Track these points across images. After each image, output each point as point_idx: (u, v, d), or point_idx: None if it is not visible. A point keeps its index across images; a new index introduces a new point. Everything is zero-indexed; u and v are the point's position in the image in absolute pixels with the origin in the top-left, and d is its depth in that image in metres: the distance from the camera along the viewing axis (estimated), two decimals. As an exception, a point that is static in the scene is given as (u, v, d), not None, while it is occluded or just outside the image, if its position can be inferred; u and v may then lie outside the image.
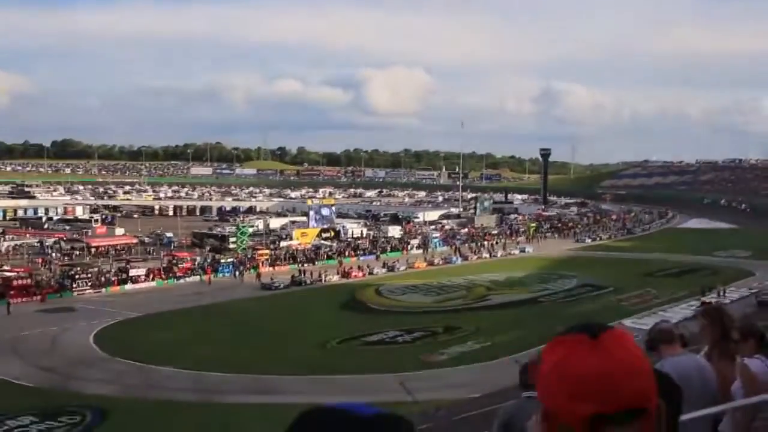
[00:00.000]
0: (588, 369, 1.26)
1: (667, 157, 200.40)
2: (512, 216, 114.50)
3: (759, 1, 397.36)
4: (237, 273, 65.21)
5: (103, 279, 58.71)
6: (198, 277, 63.18)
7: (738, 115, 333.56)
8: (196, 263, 65.99)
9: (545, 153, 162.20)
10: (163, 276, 61.91)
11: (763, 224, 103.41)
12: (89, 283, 57.45)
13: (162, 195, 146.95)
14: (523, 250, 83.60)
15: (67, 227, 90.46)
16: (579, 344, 1.30)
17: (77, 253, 72.04)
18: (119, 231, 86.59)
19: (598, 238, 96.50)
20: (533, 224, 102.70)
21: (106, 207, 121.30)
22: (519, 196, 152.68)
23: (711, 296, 52.25)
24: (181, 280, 62.02)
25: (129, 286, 58.99)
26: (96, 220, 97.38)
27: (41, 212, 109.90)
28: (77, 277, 57.57)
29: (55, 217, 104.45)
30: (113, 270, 61.19)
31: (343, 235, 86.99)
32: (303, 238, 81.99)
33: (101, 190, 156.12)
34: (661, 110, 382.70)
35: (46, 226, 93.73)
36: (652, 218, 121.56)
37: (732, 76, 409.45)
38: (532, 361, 3.89)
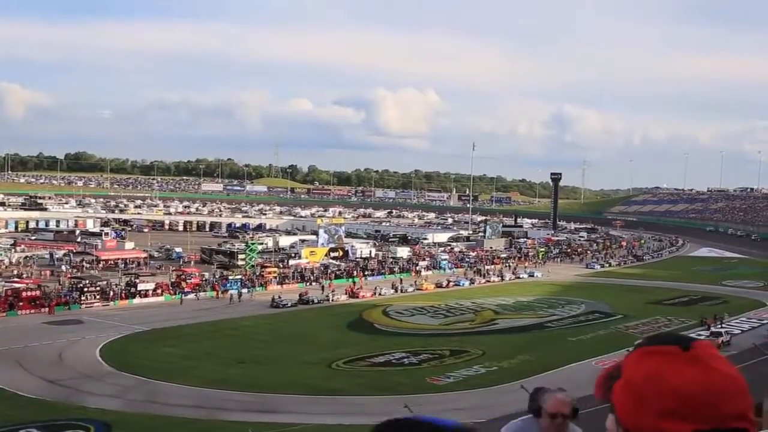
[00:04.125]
0: (689, 383, 1.16)
1: (677, 184, 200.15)
2: (521, 240, 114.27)
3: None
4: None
5: (111, 292, 58.83)
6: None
7: (750, 144, 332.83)
8: (205, 279, 66.03)
9: (556, 177, 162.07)
10: (171, 291, 61.97)
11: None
12: (97, 296, 57.56)
13: (172, 210, 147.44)
14: (531, 275, 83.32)
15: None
16: (673, 356, 1.20)
17: (86, 265, 72.36)
18: (129, 245, 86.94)
19: (607, 265, 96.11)
20: (542, 249, 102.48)
21: (116, 221, 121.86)
22: (529, 220, 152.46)
23: (717, 326, 51.84)
24: (189, 296, 62.03)
25: (137, 300, 59.07)
26: (106, 234, 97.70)
27: (52, 224, 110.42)
28: (86, 289, 57.67)
29: (71, 230, 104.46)
30: (122, 284, 61.33)
31: (351, 255, 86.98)
32: (312, 257, 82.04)
33: (112, 203, 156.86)
34: (672, 137, 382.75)
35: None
36: (662, 245, 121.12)
37: (744, 105, 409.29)
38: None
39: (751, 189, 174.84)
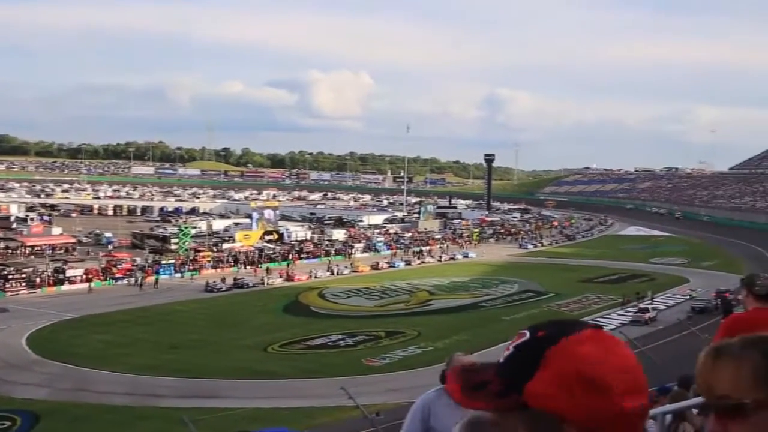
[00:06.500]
0: (629, 359, 1.12)
1: (607, 164, 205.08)
2: (456, 221, 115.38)
3: (697, 16, 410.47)
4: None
5: (38, 279, 57.13)
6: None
7: (676, 125, 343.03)
8: (136, 264, 64.71)
9: (489, 158, 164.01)
10: (101, 277, 60.52)
11: (697, 232, 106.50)
12: (23, 284, 55.83)
13: (101, 194, 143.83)
14: (466, 255, 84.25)
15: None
16: (598, 340, 1.13)
17: (11, 252, 70.02)
18: (56, 230, 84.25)
19: (539, 244, 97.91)
20: (476, 229, 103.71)
21: (42, 205, 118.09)
22: (463, 201, 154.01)
23: (644, 303, 53.66)
24: (120, 281, 60.71)
25: (65, 287, 57.51)
26: (32, 219, 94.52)
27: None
28: (10, 277, 55.87)
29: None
30: (49, 270, 59.59)
31: (286, 238, 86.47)
32: (246, 240, 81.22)
33: (38, 188, 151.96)
34: (602, 118, 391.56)
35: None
36: (592, 225, 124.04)
37: (672, 88, 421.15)
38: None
39: (676, 169, 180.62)
